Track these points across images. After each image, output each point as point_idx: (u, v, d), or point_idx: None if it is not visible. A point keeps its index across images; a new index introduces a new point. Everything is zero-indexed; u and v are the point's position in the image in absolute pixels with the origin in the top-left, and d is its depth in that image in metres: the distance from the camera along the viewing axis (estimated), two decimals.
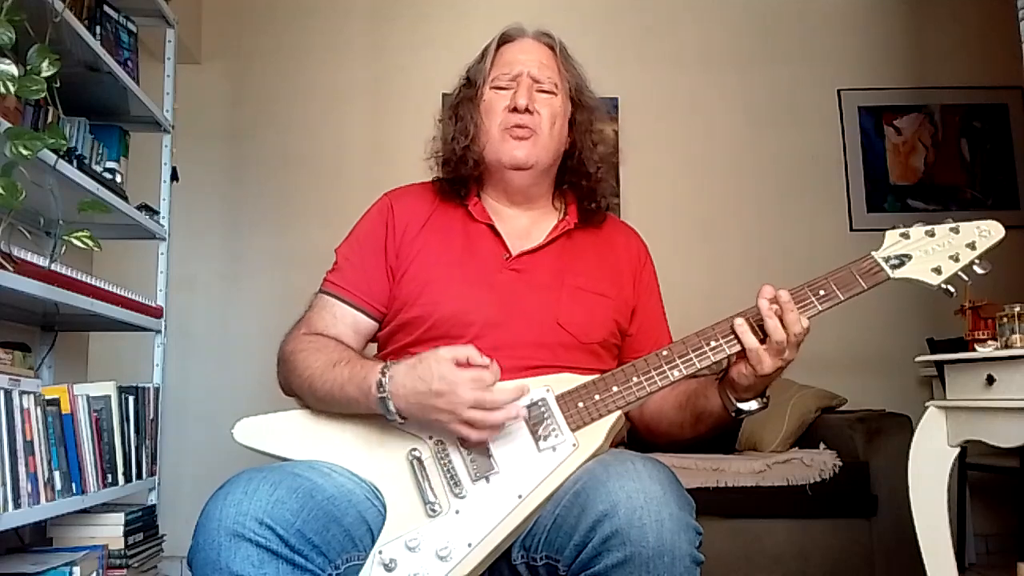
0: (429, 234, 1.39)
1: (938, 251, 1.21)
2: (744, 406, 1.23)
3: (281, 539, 1.05)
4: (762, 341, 1.17)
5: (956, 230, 1.22)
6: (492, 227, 1.40)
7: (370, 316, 1.38)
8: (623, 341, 1.42)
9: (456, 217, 1.41)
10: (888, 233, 1.23)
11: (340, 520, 1.12)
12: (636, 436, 1.47)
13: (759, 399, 1.23)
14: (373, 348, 1.42)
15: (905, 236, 1.23)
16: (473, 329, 1.29)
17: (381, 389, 1.15)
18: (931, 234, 1.22)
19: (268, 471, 1.12)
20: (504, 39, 1.43)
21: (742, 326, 1.18)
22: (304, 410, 1.29)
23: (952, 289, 1.21)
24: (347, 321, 1.36)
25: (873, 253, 1.22)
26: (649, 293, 1.47)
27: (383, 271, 1.38)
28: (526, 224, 1.42)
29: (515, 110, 1.36)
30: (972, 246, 1.21)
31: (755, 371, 1.17)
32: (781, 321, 1.16)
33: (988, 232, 1.21)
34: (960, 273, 1.21)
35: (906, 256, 1.21)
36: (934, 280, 1.20)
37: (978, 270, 1.21)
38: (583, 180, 1.43)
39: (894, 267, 1.21)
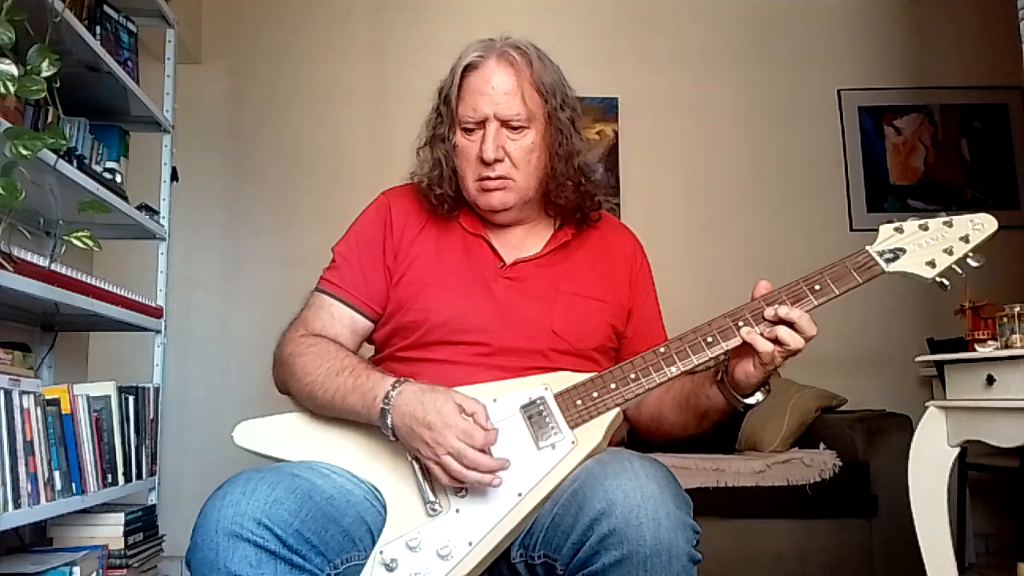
0: (426, 238, 1.39)
1: (932, 245, 1.21)
2: (751, 400, 1.24)
3: (279, 539, 1.05)
4: (775, 341, 1.16)
5: (949, 224, 1.22)
6: (485, 238, 1.39)
7: (367, 317, 1.37)
8: (619, 343, 1.42)
9: (452, 224, 1.41)
10: (882, 227, 1.24)
11: (339, 520, 1.12)
12: (636, 436, 1.47)
13: (762, 389, 1.24)
14: (367, 348, 1.42)
15: (899, 230, 1.23)
16: (469, 335, 1.30)
17: (387, 400, 1.16)
18: (925, 228, 1.22)
19: (267, 472, 1.12)
20: (468, 67, 1.34)
21: (751, 334, 1.16)
22: (304, 412, 1.29)
23: (946, 283, 1.21)
24: (344, 321, 1.36)
25: (867, 247, 1.22)
26: (645, 294, 1.46)
27: (381, 272, 1.37)
28: (520, 235, 1.41)
29: (484, 162, 1.32)
30: (965, 239, 1.21)
31: (765, 368, 1.17)
32: (793, 327, 1.16)
33: (981, 225, 1.21)
34: (954, 266, 1.21)
35: (900, 250, 1.21)
36: (928, 273, 1.20)
37: (972, 263, 1.21)
38: (568, 195, 1.38)
39: (888, 261, 1.21)
